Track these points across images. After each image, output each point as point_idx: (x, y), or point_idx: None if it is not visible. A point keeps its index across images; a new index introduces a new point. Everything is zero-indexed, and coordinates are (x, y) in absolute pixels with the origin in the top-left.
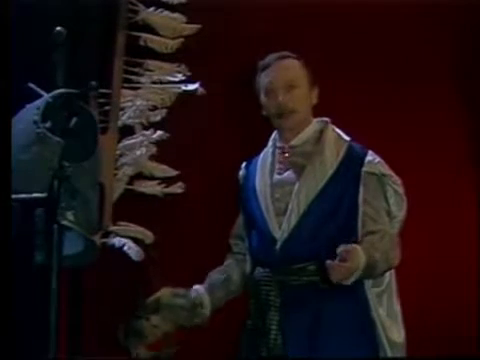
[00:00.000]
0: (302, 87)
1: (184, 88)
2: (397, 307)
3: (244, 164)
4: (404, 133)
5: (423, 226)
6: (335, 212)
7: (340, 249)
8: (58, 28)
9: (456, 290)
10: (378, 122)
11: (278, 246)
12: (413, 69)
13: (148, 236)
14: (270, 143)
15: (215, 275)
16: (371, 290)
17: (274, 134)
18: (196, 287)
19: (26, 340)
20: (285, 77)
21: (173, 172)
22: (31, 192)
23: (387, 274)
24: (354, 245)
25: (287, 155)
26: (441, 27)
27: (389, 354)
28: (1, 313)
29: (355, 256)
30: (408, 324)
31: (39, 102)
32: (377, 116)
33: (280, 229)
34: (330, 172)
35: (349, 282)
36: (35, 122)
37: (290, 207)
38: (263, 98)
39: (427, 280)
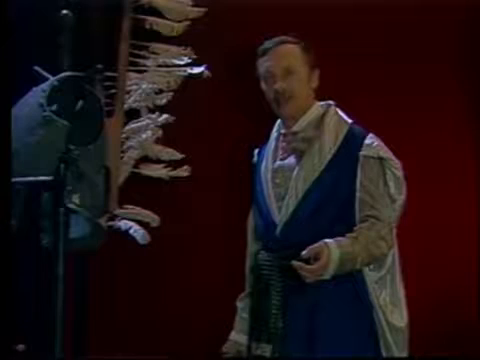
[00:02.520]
0: (300, 72)
1: (190, 71)
2: (400, 291)
3: (257, 150)
4: (406, 117)
5: (424, 210)
6: (333, 196)
7: (305, 252)
8: (64, 11)
9: (457, 273)
10: (380, 106)
11: (278, 231)
12: (416, 54)
13: (154, 219)
14: (274, 129)
15: (244, 306)
16: (370, 274)
17: (279, 120)
18: (236, 339)
19: (30, 327)
20: (282, 63)
21: (179, 155)
22: (37, 175)
23: (389, 258)
24: (322, 242)
25: (289, 141)
26: (445, 10)
27: (389, 338)
28: (4, 300)
29: (323, 254)
30: (410, 308)
31: (45, 85)
32: (379, 99)
33: (279, 214)
34: (328, 156)
35: (327, 277)
36: (41, 105)
37: (289, 192)
38: (263, 84)
39: (428, 264)
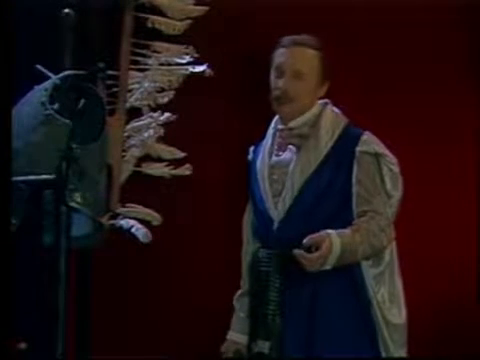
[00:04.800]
0: (310, 80)
1: (192, 70)
2: (398, 288)
3: (252, 148)
4: (406, 114)
5: (424, 210)
6: (329, 192)
7: (306, 240)
8: (66, 10)
9: (457, 273)
10: (378, 103)
11: (275, 227)
12: (417, 53)
13: (156, 218)
14: (272, 125)
15: (240, 305)
16: (369, 271)
17: (276, 116)
18: (234, 339)
19: (32, 326)
20: (294, 66)
21: (180, 154)
22: (39, 174)
23: (387, 255)
24: (323, 232)
25: (285, 137)
26: (450, 10)
27: (386, 335)
28: (5, 299)
29: (324, 243)
30: (408, 304)
31: (47, 84)
32: (377, 96)
33: (276, 210)
34: (324, 152)
35: (328, 267)
36: (43, 104)
37: (285, 188)
38: (272, 73)
39: (427, 264)
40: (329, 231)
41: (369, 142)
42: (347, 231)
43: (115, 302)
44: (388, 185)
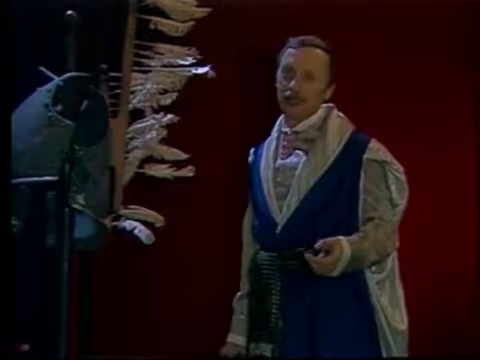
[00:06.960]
0: (319, 81)
1: (194, 71)
2: (400, 295)
3: (253, 150)
4: (409, 120)
5: (425, 214)
6: (335, 197)
7: (319, 243)
8: (69, 11)
9: (455, 270)
10: (381, 108)
11: (278, 230)
12: (417, 53)
13: (159, 220)
14: (276, 128)
15: (240, 307)
16: (372, 276)
17: (280, 119)
18: (235, 341)
19: (34, 327)
20: (306, 66)
21: (183, 155)
22: (42, 175)
23: (389, 261)
24: (335, 238)
25: (291, 140)
26: (447, 8)
27: (389, 341)
28: (6, 300)
29: (336, 248)
30: (409, 304)
31: (50, 85)
32: (380, 102)
33: (280, 213)
34: (331, 158)
35: (335, 274)
36: (46, 105)
37: (291, 191)
38: (280, 73)
39: (428, 268)
40: (339, 237)
41: (376, 149)
42: (355, 238)
43: (117, 303)
44: (394, 193)
